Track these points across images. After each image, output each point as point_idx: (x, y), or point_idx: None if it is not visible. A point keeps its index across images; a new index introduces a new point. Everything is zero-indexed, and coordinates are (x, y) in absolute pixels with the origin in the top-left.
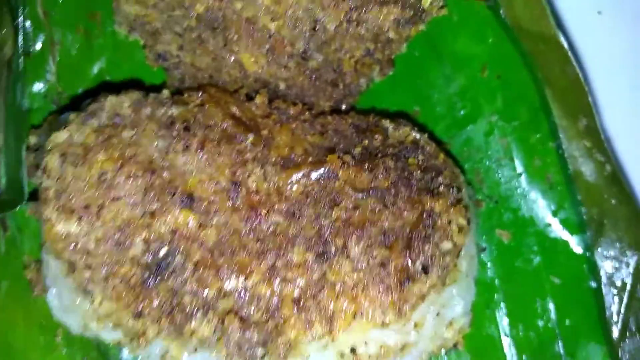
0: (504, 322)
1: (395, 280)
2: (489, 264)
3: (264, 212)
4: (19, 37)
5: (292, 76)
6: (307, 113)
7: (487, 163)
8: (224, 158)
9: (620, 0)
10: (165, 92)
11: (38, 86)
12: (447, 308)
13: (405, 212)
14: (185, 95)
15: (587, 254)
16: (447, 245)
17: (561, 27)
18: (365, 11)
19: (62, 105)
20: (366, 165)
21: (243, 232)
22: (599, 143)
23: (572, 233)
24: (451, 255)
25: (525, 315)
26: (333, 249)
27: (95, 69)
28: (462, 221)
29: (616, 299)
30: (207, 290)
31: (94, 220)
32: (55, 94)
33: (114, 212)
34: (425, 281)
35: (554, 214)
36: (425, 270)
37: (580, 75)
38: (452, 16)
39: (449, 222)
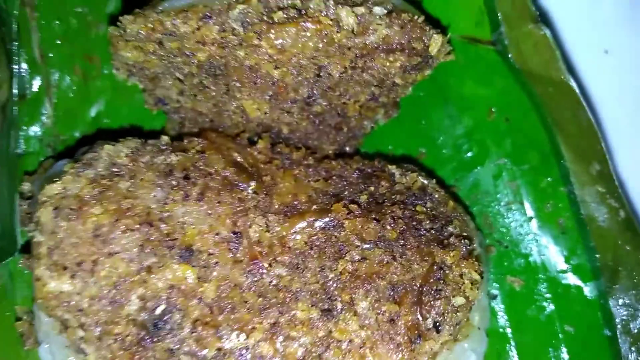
0: None
1: (405, 338)
2: (500, 312)
3: (266, 264)
4: (14, 80)
5: (296, 121)
6: (310, 158)
7: (496, 207)
8: (224, 207)
9: (627, 37)
10: (165, 138)
11: (34, 129)
12: None
13: (415, 265)
14: (185, 141)
15: (602, 302)
16: (459, 300)
17: (571, 70)
18: (371, 59)
19: (57, 150)
20: (373, 214)
21: (244, 287)
22: (613, 188)
23: (585, 280)
24: (464, 310)
25: None
26: (339, 304)
27: (93, 112)
28: (475, 275)
29: (633, 348)
30: (205, 350)
31: (88, 278)
32: (52, 137)
33: (109, 268)
34: (437, 339)
35: (567, 260)
36: (437, 327)
37: (593, 120)
38: (459, 59)
39: (461, 276)
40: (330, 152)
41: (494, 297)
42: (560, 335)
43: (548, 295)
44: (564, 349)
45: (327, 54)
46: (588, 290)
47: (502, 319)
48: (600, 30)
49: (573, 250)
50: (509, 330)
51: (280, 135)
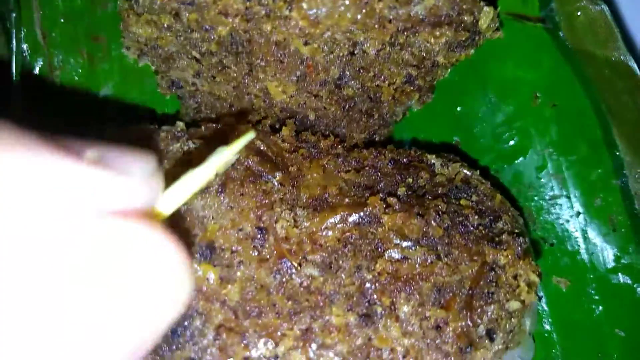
0: None
1: (454, 347)
2: (545, 315)
3: (295, 263)
4: (14, 61)
5: (324, 105)
6: (339, 146)
7: (540, 201)
8: (247, 200)
9: None
10: (180, 124)
11: None
12: None
13: (463, 265)
14: (203, 127)
15: None
16: (514, 304)
17: (632, 51)
18: (414, 33)
19: None
20: (415, 209)
21: (271, 289)
22: None
23: (637, 280)
24: (518, 316)
25: None
26: (379, 309)
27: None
28: (533, 276)
29: None
30: (230, 359)
31: None
32: None
33: None
34: (490, 347)
35: (617, 259)
36: (490, 335)
37: None
38: (500, 39)
39: (516, 277)
40: (359, 140)
41: (539, 298)
42: (611, 340)
43: (597, 297)
44: (614, 355)
45: (365, 27)
46: None
47: (548, 323)
48: None
49: (625, 248)
50: (554, 335)
51: (306, 121)
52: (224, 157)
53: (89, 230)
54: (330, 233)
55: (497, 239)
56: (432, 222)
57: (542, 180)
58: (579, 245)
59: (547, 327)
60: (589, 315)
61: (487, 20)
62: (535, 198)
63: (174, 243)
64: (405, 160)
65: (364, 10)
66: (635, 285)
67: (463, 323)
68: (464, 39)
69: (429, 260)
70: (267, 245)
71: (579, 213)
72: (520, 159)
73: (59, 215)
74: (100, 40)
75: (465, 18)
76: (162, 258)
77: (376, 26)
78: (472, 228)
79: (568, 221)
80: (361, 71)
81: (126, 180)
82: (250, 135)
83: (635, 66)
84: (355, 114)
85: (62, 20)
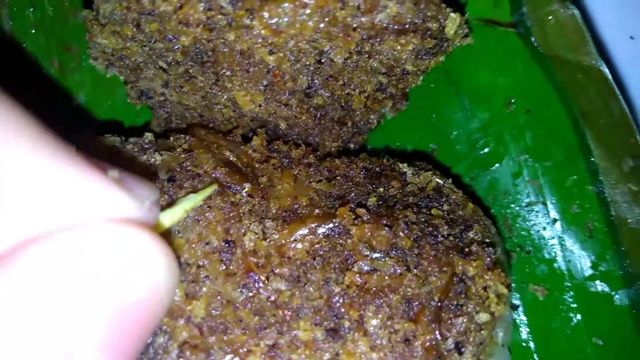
0: None
1: None
2: (522, 324)
3: (262, 277)
4: None
5: (294, 114)
6: (311, 156)
7: (516, 208)
8: (215, 213)
9: None
10: (148, 136)
11: None
12: None
13: (432, 276)
14: (171, 138)
15: (634, 312)
16: (484, 316)
17: (603, 56)
18: (379, 42)
19: None
20: (384, 219)
21: (238, 303)
22: None
23: (615, 288)
24: (488, 327)
25: None
26: (347, 322)
27: None
28: (502, 288)
29: None
30: None
31: None
32: None
33: None
34: None
35: (595, 266)
36: (458, 348)
37: (627, 110)
38: (473, 45)
39: (485, 289)
40: (332, 149)
41: (516, 307)
42: (588, 349)
43: (574, 305)
44: None
45: (329, 36)
46: (618, 299)
47: (525, 332)
48: (629, 14)
49: (602, 255)
50: (532, 344)
51: (278, 131)
52: (191, 202)
53: (102, 231)
54: (299, 245)
55: (467, 249)
56: (401, 233)
57: (518, 187)
58: (555, 253)
59: (524, 336)
60: (567, 323)
61: (454, 27)
62: (512, 205)
63: (167, 248)
64: (377, 169)
65: (326, 19)
66: (612, 293)
67: (432, 336)
68: (431, 46)
69: (399, 272)
70: (234, 259)
71: (555, 220)
72: (496, 165)
73: (83, 215)
74: (72, 50)
75: (431, 25)
76: (157, 260)
77: (341, 35)
78: (442, 238)
79: (545, 228)
80: (330, 80)
81: (139, 204)
82: (214, 188)
83: (607, 71)
84: (327, 123)
85: (33, 31)
